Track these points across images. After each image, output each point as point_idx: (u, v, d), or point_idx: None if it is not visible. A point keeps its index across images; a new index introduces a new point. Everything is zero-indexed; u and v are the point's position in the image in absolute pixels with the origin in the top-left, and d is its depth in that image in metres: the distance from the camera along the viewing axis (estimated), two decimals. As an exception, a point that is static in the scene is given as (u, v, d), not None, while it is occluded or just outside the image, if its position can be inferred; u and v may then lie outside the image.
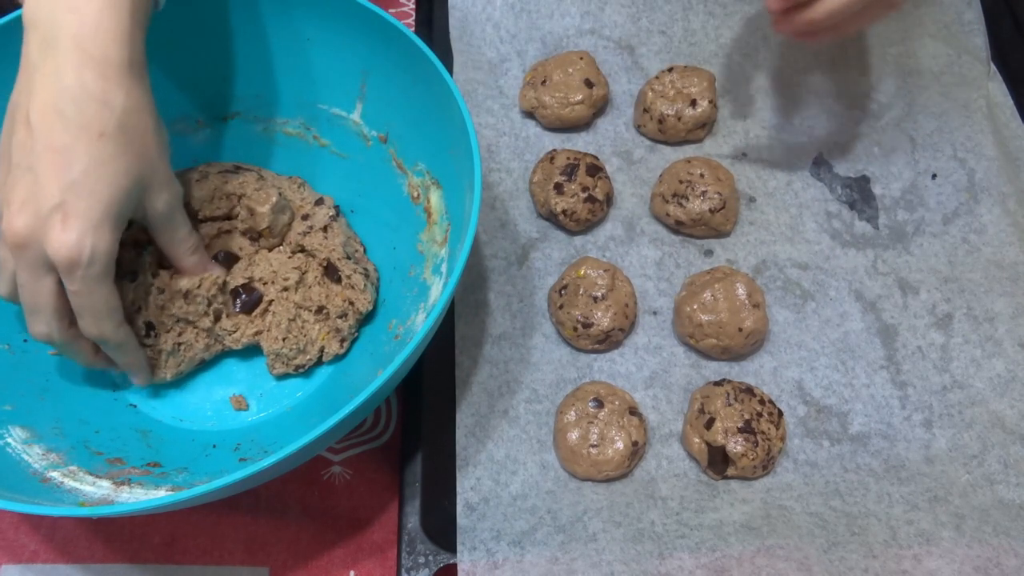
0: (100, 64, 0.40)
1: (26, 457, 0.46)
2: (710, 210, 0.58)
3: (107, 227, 0.40)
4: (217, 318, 0.52)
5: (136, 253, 0.50)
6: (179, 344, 0.51)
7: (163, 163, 0.44)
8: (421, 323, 0.49)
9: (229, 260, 0.53)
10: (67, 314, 0.43)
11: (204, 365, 0.53)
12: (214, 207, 0.53)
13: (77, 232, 0.39)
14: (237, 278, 0.52)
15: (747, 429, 0.51)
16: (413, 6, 0.71)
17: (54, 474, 0.45)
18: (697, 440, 0.51)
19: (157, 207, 0.44)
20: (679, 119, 0.63)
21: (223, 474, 0.37)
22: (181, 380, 0.53)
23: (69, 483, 0.45)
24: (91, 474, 0.46)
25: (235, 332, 0.52)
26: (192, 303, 0.50)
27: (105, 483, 0.45)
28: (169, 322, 0.50)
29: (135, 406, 0.52)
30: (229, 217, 0.53)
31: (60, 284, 0.42)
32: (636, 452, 0.51)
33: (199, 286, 0.50)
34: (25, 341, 0.51)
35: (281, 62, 0.55)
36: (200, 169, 0.55)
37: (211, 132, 0.58)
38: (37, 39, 0.40)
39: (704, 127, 0.64)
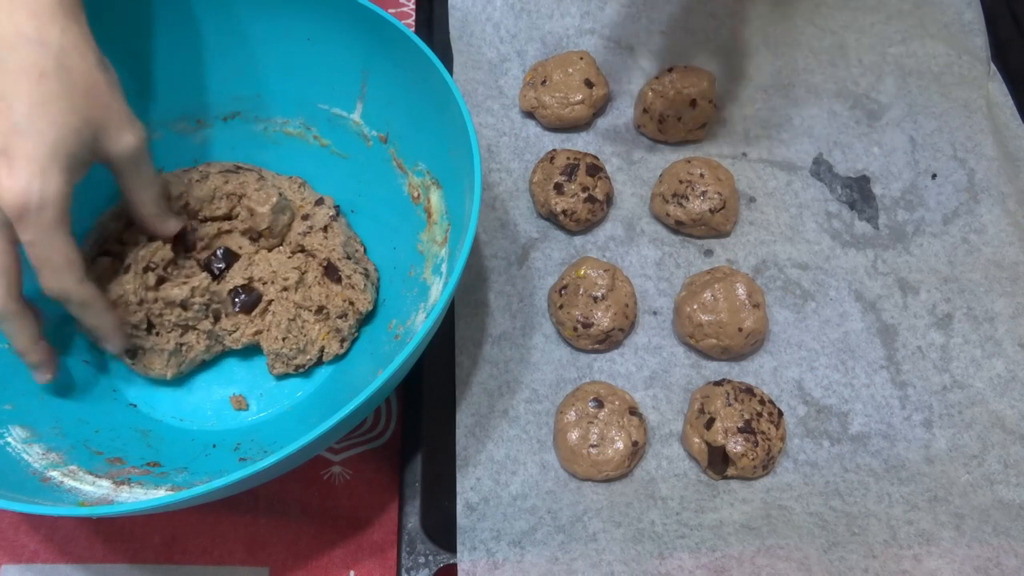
0: (30, 5, 0.39)
1: (26, 456, 0.46)
2: (710, 210, 0.58)
3: (56, 168, 0.38)
4: (217, 319, 0.52)
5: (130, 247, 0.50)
6: (181, 345, 0.51)
7: (116, 101, 0.42)
8: (421, 323, 0.49)
9: (229, 258, 0.53)
10: (15, 282, 0.41)
11: (204, 365, 0.54)
12: (214, 207, 0.53)
13: (24, 175, 0.37)
14: (237, 278, 0.52)
15: (747, 429, 0.51)
16: (413, 6, 0.71)
17: (54, 473, 0.45)
18: (697, 440, 0.51)
19: (118, 148, 0.42)
20: (679, 119, 0.63)
21: (223, 474, 0.37)
22: (181, 379, 0.53)
23: (69, 483, 0.45)
24: (91, 474, 0.46)
25: (235, 332, 0.52)
26: (190, 310, 0.50)
27: (105, 483, 0.45)
28: (169, 324, 0.50)
29: (135, 406, 0.52)
30: (229, 217, 0.54)
31: (10, 245, 0.40)
32: (636, 452, 0.51)
33: (191, 295, 0.50)
34: None
35: (281, 62, 0.55)
36: (200, 169, 0.55)
37: (211, 132, 0.58)
38: None
39: (704, 127, 0.64)
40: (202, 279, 0.51)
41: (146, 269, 0.49)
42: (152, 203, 0.47)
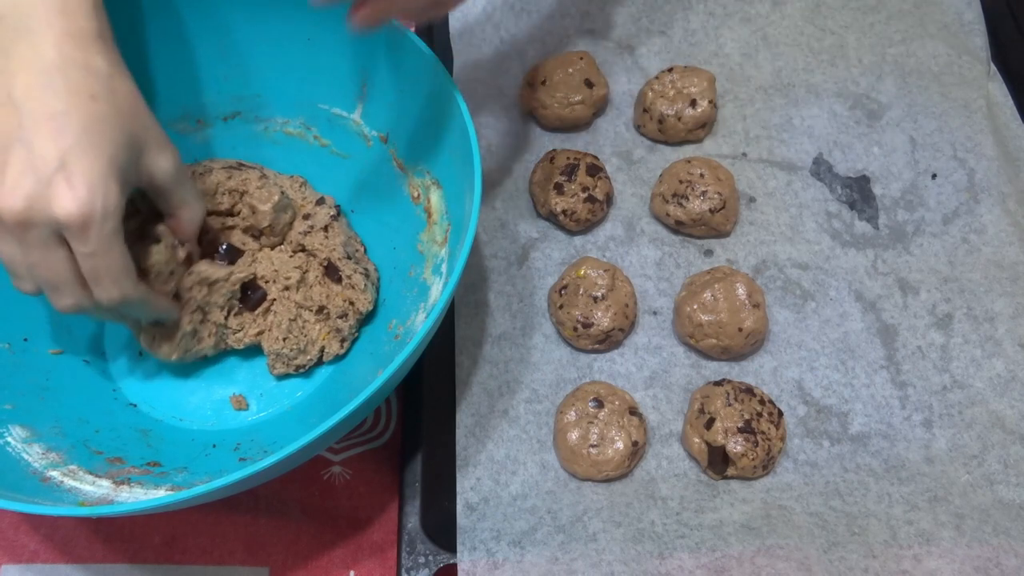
0: (76, 37, 0.40)
1: (26, 456, 0.46)
2: (710, 210, 0.58)
3: (113, 181, 0.40)
4: (230, 311, 0.52)
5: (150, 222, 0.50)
6: (195, 331, 0.51)
7: (156, 124, 0.44)
8: (421, 323, 0.49)
9: (233, 254, 0.53)
10: (86, 281, 0.43)
11: (205, 364, 0.54)
12: (217, 201, 0.53)
13: (86, 187, 0.39)
14: (242, 271, 0.53)
15: (747, 429, 0.51)
16: (413, 6, 0.71)
17: (54, 473, 0.45)
18: (697, 440, 0.51)
19: (161, 166, 0.44)
20: (679, 119, 0.63)
21: (223, 474, 0.37)
22: (181, 379, 0.53)
23: (69, 482, 0.45)
24: (91, 473, 0.46)
25: (239, 332, 0.52)
26: (215, 293, 0.51)
27: (105, 482, 0.45)
28: (193, 303, 0.50)
29: (135, 405, 0.52)
30: (231, 213, 0.53)
31: (72, 253, 0.41)
32: (636, 452, 0.51)
33: (228, 279, 0.51)
34: (25, 340, 0.51)
35: (282, 62, 0.55)
36: (203, 164, 0.55)
37: (212, 132, 0.58)
38: (4, 28, 0.40)
39: (704, 127, 0.64)
40: (236, 266, 0.51)
41: (175, 243, 0.49)
42: (192, 226, 0.48)
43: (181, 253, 0.49)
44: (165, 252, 0.48)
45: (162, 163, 0.44)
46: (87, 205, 0.39)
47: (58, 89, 0.39)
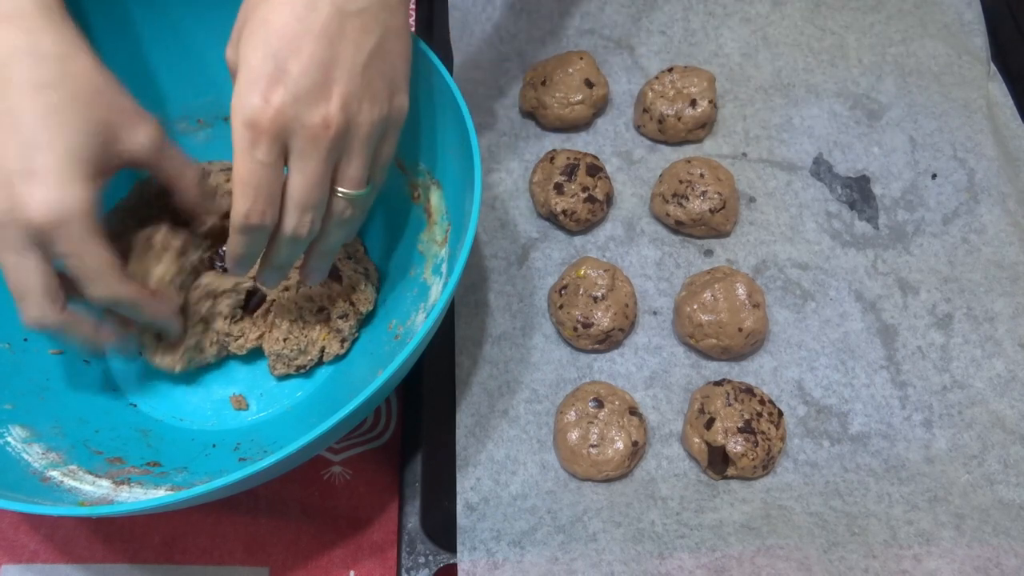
0: (16, 18, 0.38)
1: (26, 456, 0.46)
2: (710, 210, 0.58)
3: (79, 176, 0.38)
4: (234, 318, 0.52)
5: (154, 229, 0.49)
6: (197, 342, 0.51)
7: (123, 98, 0.41)
8: (421, 323, 0.49)
9: None
10: (59, 295, 0.41)
11: (205, 364, 0.54)
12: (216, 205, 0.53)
13: (53, 189, 0.37)
14: (247, 279, 0.53)
15: (747, 429, 0.51)
16: (413, 6, 0.71)
17: (54, 473, 0.45)
18: (697, 440, 0.51)
19: (139, 142, 0.41)
20: (679, 119, 0.63)
21: (223, 474, 0.37)
22: (181, 379, 0.53)
23: (69, 482, 0.45)
24: (91, 473, 0.46)
25: (240, 338, 0.52)
26: (220, 303, 0.51)
27: (105, 482, 0.45)
28: (197, 315, 0.50)
29: (135, 405, 0.52)
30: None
31: (46, 262, 0.39)
32: (636, 452, 0.51)
33: (234, 288, 0.51)
34: (25, 340, 0.51)
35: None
36: (202, 167, 0.55)
37: (212, 132, 0.58)
38: None
39: (704, 127, 0.64)
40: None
41: (181, 252, 0.48)
42: (194, 187, 0.46)
43: (187, 263, 0.49)
44: (174, 263, 0.47)
45: (139, 138, 0.41)
46: (55, 207, 0.37)
47: (8, 83, 0.37)
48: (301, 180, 0.39)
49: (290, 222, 0.40)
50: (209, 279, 0.50)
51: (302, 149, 0.38)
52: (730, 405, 0.52)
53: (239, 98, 0.38)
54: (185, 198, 0.46)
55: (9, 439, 0.46)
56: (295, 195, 0.40)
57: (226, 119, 0.57)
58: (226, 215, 0.53)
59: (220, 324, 0.52)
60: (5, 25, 0.38)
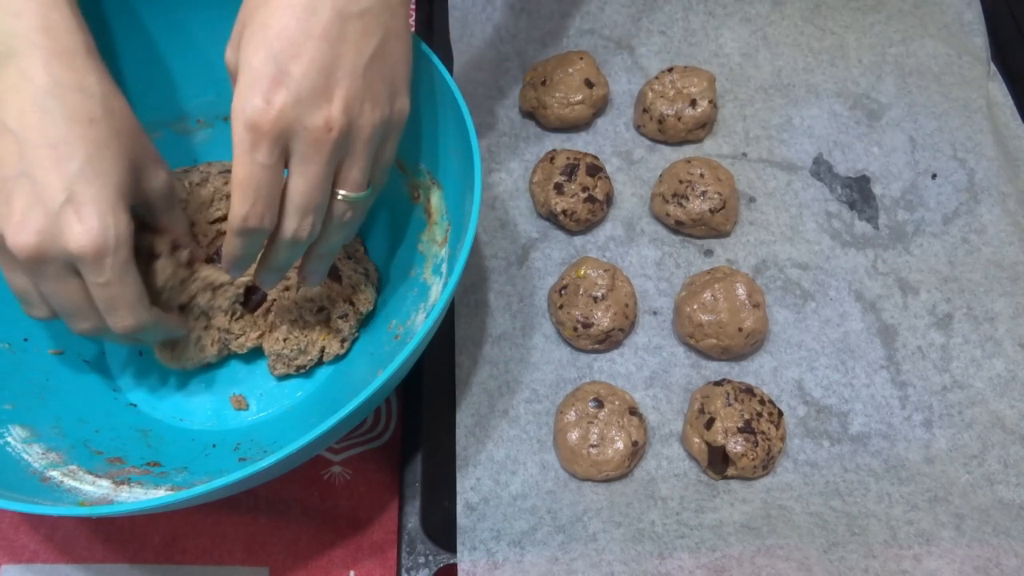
0: (64, 56, 0.39)
1: (26, 456, 0.46)
2: (710, 210, 0.58)
3: (122, 208, 0.39)
4: (232, 316, 0.52)
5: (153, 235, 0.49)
6: (198, 339, 0.51)
7: (149, 142, 0.43)
8: (421, 323, 0.49)
9: None
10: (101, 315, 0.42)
11: (206, 364, 0.54)
12: (214, 209, 0.53)
13: (97, 219, 0.38)
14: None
15: (747, 429, 0.51)
16: (413, 6, 0.71)
17: (54, 473, 0.45)
18: (697, 440, 0.51)
19: (156, 185, 0.43)
20: (679, 119, 0.63)
21: (223, 474, 0.37)
22: (182, 379, 0.53)
23: (69, 482, 0.45)
24: (91, 473, 0.46)
25: (241, 336, 0.52)
26: (219, 297, 0.51)
27: (105, 482, 0.45)
28: (197, 310, 0.50)
29: (135, 405, 0.52)
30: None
31: (85, 287, 0.40)
32: (636, 452, 0.51)
33: (232, 281, 0.50)
34: (25, 340, 0.51)
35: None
36: (200, 169, 0.55)
37: (212, 132, 0.58)
38: None
39: (704, 127, 0.64)
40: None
41: (174, 248, 0.48)
42: (183, 232, 0.48)
43: (183, 256, 0.49)
44: (170, 264, 0.47)
45: (158, 182, 0.43)
46: (99, 237, 0.38)
47: (55, 115, 0.38)
48: (302, 183, 0.39)
49: (290, 225, 0.40)
50: (207, 272, 0.50)
51: (304, 152, 0.38)
52: (730, 405, 0.52)
53: (240, 100, 0.38)
54: (175, 239, 0.48)
55: (9, 439, 0.46)
56: (296, 198, 0.40)
57: (226, 119, 0.58)
58: (217, 220, 0.53)
59: (220, 319, 0.51)
60: (52, 61, 0.39)
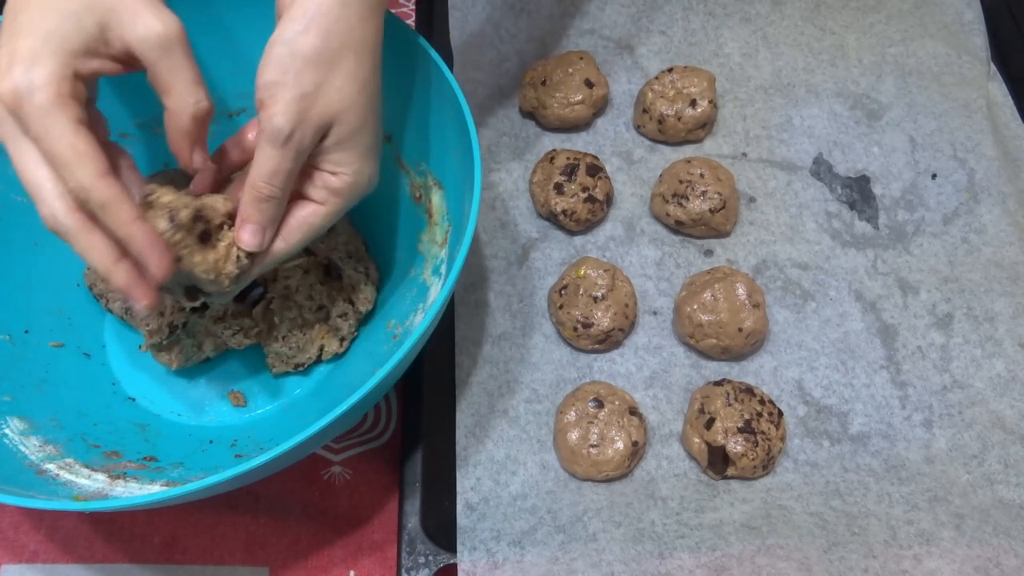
0: None
1: (23, 448, 0.46)
2: (710, 210, 0.58)
3: (46, 53, 0.36)
4: (226, 313, 0.52)
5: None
6: (194, 337, 0.52)
7: None
8: (419, 323, 0.49)
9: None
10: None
11: (204, 360, 0.54)
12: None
13: (19, 67, 0.36)
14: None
15: (747, 429, 0.51)
16: (413, 6, 0.71)
17: (50, 466, 0.45)
18: (697, 440, 0.51)
19: (137, 33, 0.38)
20: (679, 119, 0.63)
21: (218, 470, 0.37)
22: (180, 374, 0.53)
23: (65, 476, 0.45)
24: (87, 467, 0.46)
25: (239, 334, 0.52)
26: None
27: (100, 476, 0.45)
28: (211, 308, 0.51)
29: (134, 399, 0.52)
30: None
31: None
32: (636, 452, 0.51)
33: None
34: (26, 332, 0.51)
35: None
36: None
37: (216, 128, 0.57)
38: None
39: (704, 127, 0.64)
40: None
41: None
42: (186, 111, 0.40)
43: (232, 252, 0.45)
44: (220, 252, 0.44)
45: (138, 29, 0.38)
46: (15, 82, 0.36)
47: None
48: None
49: None
50: (161, 193, 0.41)
51: None
52: (730, 405, 0.51)
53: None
54: (171, 122, 0.41)
55: (7, 431, 0.46)
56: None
57: (229, 115, 0.58)
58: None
59: (213, 323, 0.52)
60: None
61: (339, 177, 0.43)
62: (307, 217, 0.44)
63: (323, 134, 0.41)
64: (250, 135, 0.46)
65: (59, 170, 0.37)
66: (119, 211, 0.37)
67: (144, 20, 0.38)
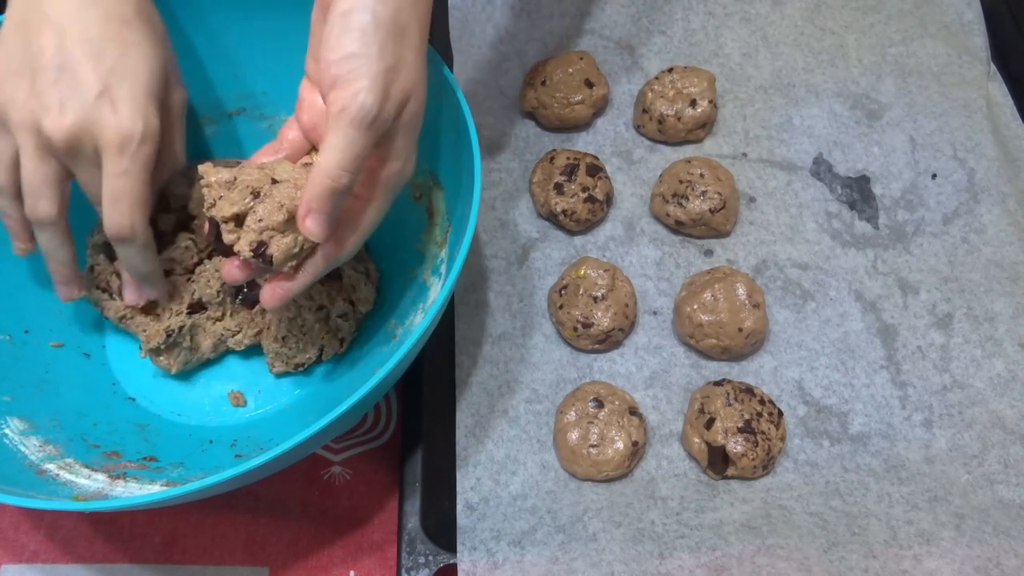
0: None
1: (23, 448, 0.46)
2: (710, 210, 0.58)
3: (152, 106, 0.41)
4: (225, 314, 0.52)
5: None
6: (192, 339, 0.52)
7: (175, 54, 0.45)
8: (419, 324, 0.49)
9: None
10: (66, 203, 0.44)
11: (204, 361, 0.54)
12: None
13: (128, 111, 0.40)
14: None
15: (747, 429, 0.51)
16: (413, 6, 0.71)
17: (50, 466, 0.45)
18: (697, 440, 0.51)
19: (176, 97, 0.45)
20: (679, 119, 0.63)
21: (218, 470, 0.37)
22: (181, 374, 0.53)
23: (65, 476, 0.45)
24: (87, 467, 0.46)
25: (239, 334, 0.52)
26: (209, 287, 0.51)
27: (100, 476, 0.45)
28: (210, 308, 0.51)
29: (134, 399, 0.52)
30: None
31: (68, 177, 0.43)
32: (636, 452, 0.51)
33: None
34: (26, 332, 0.51)
35: (287, 59, 0.55)
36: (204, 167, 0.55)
37: (216, 128, 0.58)
38: None
39: (704, 127, 0.64)
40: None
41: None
42: (176, 165, 0.48)
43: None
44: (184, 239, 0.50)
45: (178, 94, 0.45)
46: (129, 127, 0.40)
47: (93, 12, 0.40)
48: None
49: None
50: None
51: None
52: (730, 405, 0.51)
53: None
54: (169, 159, 0.47)
55: (7, 431, 0.46)
56: None
57: (230, 115, 0.58)
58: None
59: (211, 325, 0.52)
60: None
61: (389, 166, 0.40)
62: (358, 217, 0.41)
63: (399, 114, 0.39)
64: (291, 135, 0.44)
65: (125, 206, 0.42)
66: (151, 254, 0.47)
67: (180, 90, 0.47)
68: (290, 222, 0.40)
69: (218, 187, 0.41)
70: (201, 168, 0.42)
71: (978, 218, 0.61)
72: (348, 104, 0.36)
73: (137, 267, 0.46)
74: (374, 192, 0.41)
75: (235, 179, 0.41)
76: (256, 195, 0.40)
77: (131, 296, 0.50)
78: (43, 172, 0.42)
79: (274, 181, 0.41)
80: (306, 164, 0.43)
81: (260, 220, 0.40)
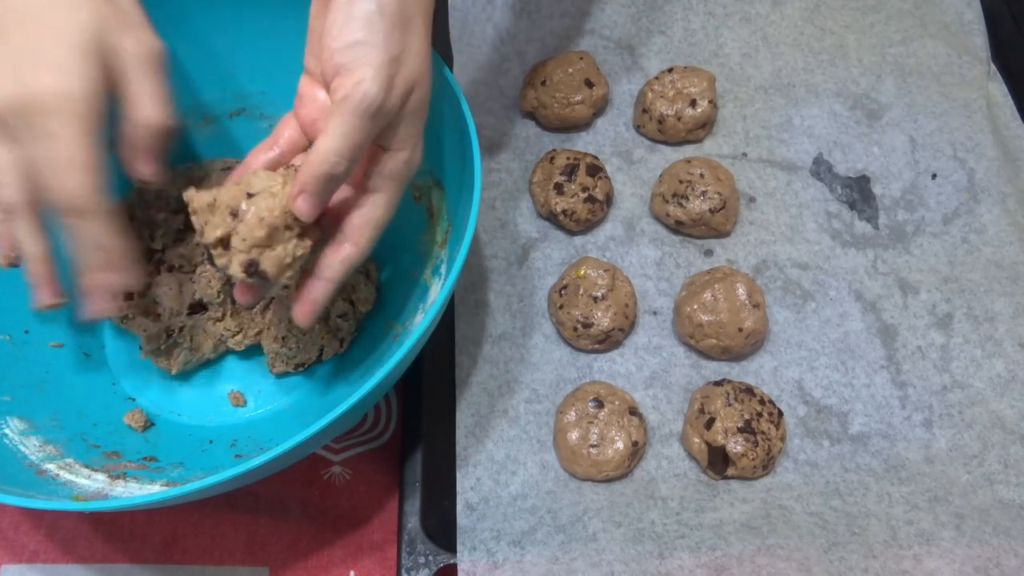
0: None
1: (23, 448, 0.46)
2: (710, 210, 0.58)
3: (87, 62, 0.37)
4: (226, 314, 0.52)
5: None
6: (192, 339, 0.52)
7: (130, 4, 0.40)
8: (419, 324, 0.49)
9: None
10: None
11: (204, 361, 0.54)
12: None
13: (54, 72, 0.36)
14: None
15: (747, 429, 0.51)
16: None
17: (50, 466, 0.45)
18: (697, 440, 0.51)
19: (127, 47, 0.39)
20: (679, 119, 0.63)
21: (218, 470, 0.37)
22: (180, 375, 0.53)
23: (65, 476, 0.45)
24: (87, 467, 0.46)
25: (239, 334, 0.52)
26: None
27: (100, 476, 0.45)
28: (210, 309, 0.51)
29: (134, 399, 0.52)
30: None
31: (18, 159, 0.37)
32: (636, 452, 0.51)
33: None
34: (26, 332, 0.51)
35: (286, 59, 0.55)
36: (203, 166, 0.55)
37: (216, 128, 0.58)
38: None
39: (704, 127, 0.64)
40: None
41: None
42: (152, 120, 0.41)
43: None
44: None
45: (127, 43, 0.39)
46: (55, 87, 0.36)
47: None
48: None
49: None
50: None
51: None
52: (730, 405, 0.51)
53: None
54: (129, 131, 0.41)
55: (7, 431, 0.46)
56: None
57: (231, 115, 0.58)
58: None
59: (210, 324, 0.52)
60: None
61: (396, 156, 0.40)
62: (369, 211, 0.40)
63: (404, 103, 0.38)
64: (286, 132, 0.43)
65: (60, 173, 0.37)
66: (106, 224, 0.39)
67: (140, 34, 0.39)
68: (274, 233, 0.39)
69: (202, 212, 0.39)
70: (186, 196, 0.40)
71: (978, 218, 0.61)
72: (351, 92, 0.36)
73: (101, 245, 0.39)
74: (383, 184, 0.40)
75: (215, 200, 0.39)
76: (235, 214, 0.39)
77: (98, 303, 0.42)
78: None
79: (249, 195, 0.39)
80: (284, 171, 0.42)
81: (244, 240, 0.39)
